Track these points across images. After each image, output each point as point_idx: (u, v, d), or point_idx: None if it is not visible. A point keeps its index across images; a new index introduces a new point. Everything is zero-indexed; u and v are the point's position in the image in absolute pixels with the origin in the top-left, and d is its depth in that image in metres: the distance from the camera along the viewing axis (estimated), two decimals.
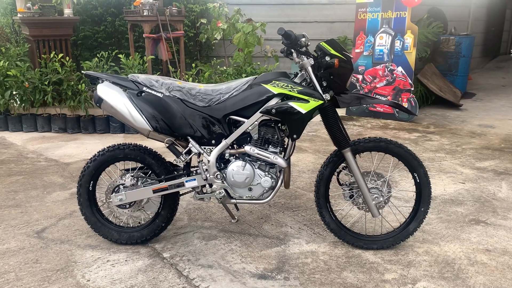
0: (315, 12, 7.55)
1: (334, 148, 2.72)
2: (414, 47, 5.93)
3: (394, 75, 6.09)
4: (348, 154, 2.65)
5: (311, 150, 4.78)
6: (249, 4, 7.39)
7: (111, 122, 5.61)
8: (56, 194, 3.68)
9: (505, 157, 4.50)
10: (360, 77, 6.35)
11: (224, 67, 5.99)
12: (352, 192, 2.79)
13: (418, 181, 2.71)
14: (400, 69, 6.04)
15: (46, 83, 5.43)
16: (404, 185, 3.68)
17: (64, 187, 3.83)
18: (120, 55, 5.47)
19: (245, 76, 5.50)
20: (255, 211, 3.33)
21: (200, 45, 7.47)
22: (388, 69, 6.13)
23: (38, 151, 4.83)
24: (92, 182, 2.81)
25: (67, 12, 5.89)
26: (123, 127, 5.63)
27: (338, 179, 2.84)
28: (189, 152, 2.69)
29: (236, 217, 3.15)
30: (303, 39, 2.53)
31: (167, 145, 2.67)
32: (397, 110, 6.11)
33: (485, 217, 3.20)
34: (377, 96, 6.16)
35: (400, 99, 6.05)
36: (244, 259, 2.69)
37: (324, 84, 2.60)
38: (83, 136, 5.50)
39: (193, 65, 5.70)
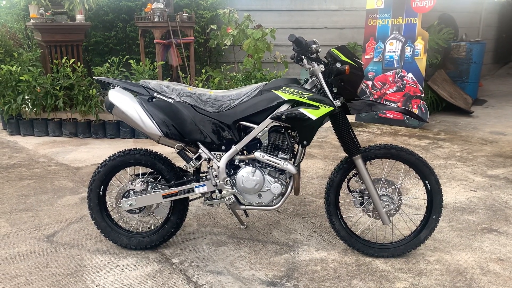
0: (325, 19, 7.55)
1: (344, 154, 2.71)
2: (425, 54, 5.90)
3: (404, 82, 6.06)
4: (359, 161, 2.64)
5: (320, 157, 4.76)
6: (259, 10, 7.42)
7: (121, 127, 5.64)
8: (67, 199, 3.71)
9: None
10: (370, 83, 6.33)
11: (234, 73, 6.01)
12: (363, 199, 2.77)
13: (429, 188, 2.68)
14: (410, 75, 6.01)
15: (58, 88, 5.48)
16: (415, 193, 3.65)
17: (74, 192, 3.85)
18: (130, 61, 5.51)
19: (255, 82, 5.52)
20: (264, 217, 3.32)
21: (210, 51, 7.50)
22: (398, 75, 6.11)
23: (49, 156, 4.87)
24: (102, 187, 2.82)
25: (79, 18, 5.95)
26: (133, 132, 5.66)
27: (348, 186, 2.82)
28: (199, 158, 2.69)
29: (245, 223, 3.15)
30: (314, 45, 2.53)
31: (177, 150, 2.68)
32: (407, 116, 6.07)
33: (498, 226, 3.16)
34: (387, 103, 6.14)
35: (410, 105, 6.02)
36: (253, 265, 2.68)
37: (335, 90, 2.60)
38: (93, 140, 5.54)
39: (203, 70, 5.73)
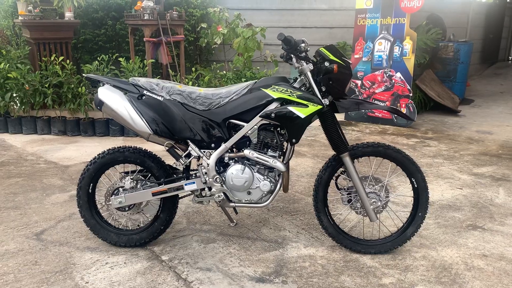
0: (315, 18, 7.59)
1: (333, 152, 2.74)
2: (413, 53, 5.97)
3: (393, 81, 6.13)
4: (347, 159, 2.67)
5: (309, 155, 4.80)
6: (249, 9, 7.43)
7: (110, 125, 5.62)
8: (56, 197, 3.69)
9: (502, 163, 4.53)
10: (359, 82, 6.38)
11: (224, 72, 6.02)
12: (350, 196, 2.80)
13: (416, 186, 2.73)
14: (398, 75, 6.08)
15: (47, 85, 5.44)
16: (402, 190, 3.70)
17: (63, 190, 3.84)
18: (120, 59, 5.49)
19: (245, 81, 5.54)
20: (253, 214, 3.34)
21: (200, 50, 7.50)
22: (387, 75, 6.17)
23: (37, 154, 4.85)
24: (92, 184, 2.83)
25: (68, 15, 5.92)
26: (123, 130, 5.64)
27: (336, 184, 2.86)
28: (188, 155, 2.71)
29: (234, 220, 3.17)
30: (303, 44, 2.56)
31: (167, 148, 2.69)
32: (395, 115, 6.14)
33: (482, 223, 3.22)
34: (376, 102, 6.19)
35: (398, 104, 6.08)
36: (242, 262, 2.70)
37: (323, 89, 2.63)
38: (82, 138, 5.51)
39: (193, 69, 5.73)
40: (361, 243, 2.80)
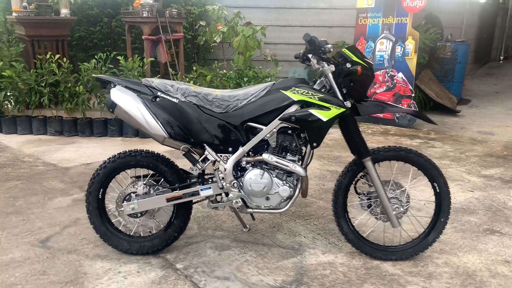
0: (313, 17, 7.51)
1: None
2: (415, 53, 5.93)
3: (395, 81, 6.08)
4: (369, 164, 2.60)
5: (315, 156, 4.72)
6: (247, 7, 7.31)
7: (108, 125, 5.48)
8: (58, 200, 3.56)
9: (509, 165, 4.51)
10: None
11: (224, 71, 5.90)
12: (370, 201, 2.73)
13: (438, 191, 2.66)
14: (400, 75, 6.03)
15: (43, 84, 5.27)
16: (415, 194, 3.63)
17: (65, 193, 3.70)
18: (119, 57, 5.35)
19: (247, 80, 5.44)
20: (266, 219, 3.25)
21: (198, 48, 7.37)
22: (389, 75, 6.12)
23: (35, 155, 4.68)
24: (101, 190, 2.71)
25: (64, 12, 5.76)
26: (121, 130, 5.50)
27: (355, 188, 2.78)
28: (205, 159, 2.60)
29: (247, 226, 3.07)
30: (329, 45, 2.48)
31: (183, 152, 2.58)
32: (397, 115, 6.10)
33: (499, 227, 3.17)
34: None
35: (400, 105, 6.04)
36: (260, 270, 2.61)
37: (344, 91, 2.55)
38: (80, 139, 5.36)
39: (194, 68, 5.61)
40: (382, 249, 2.73)
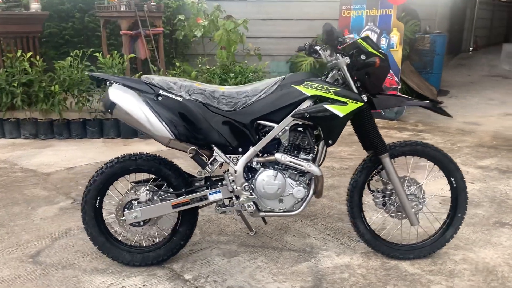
0: (295, 10, 7.38)
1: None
2: (400, 45, 5.89)
3: None
4: (387, 160, 2.48)
5: None
6: (227, 0, 7.10)
7: (88, 127, 5.19)
8: (43, 210, 3.29)
9: (502, 155, 4.51)
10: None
11: (207, 66, 5.68)
12: (385, 199, 2.62)
13: (455, 185, 2.57)
14: None
15: (15, 84, 4.92)
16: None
17: (50, 201, 3.43)
18: (96, 54, 5.06)
19: (233, 76, 5.25)
20: (271, 221, 3.09)
21: (176, 43, 7.11)
22: None
23: (11, 160, 4.36)
24: (99, 198, 2.48)
25: (35, 7, 5.40)
26: (102, 131, 5.22)
27: (369, 186, 2.66)
28: (214, 161, 2.42)
29: (253, 229, 2.91)
30: (350, 34, 2.35)
31: (191, 155, 2.38)
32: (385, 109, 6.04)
33: (507, 219, 3.13)
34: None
35: None
36: (276, 277, 2.45)
37: (358, 84, 2.42)
38: (57, 142, 5.05)
39: (177, 63, 5.37)
40: (399, 248, 2.62)
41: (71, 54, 5.11)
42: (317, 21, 7.38)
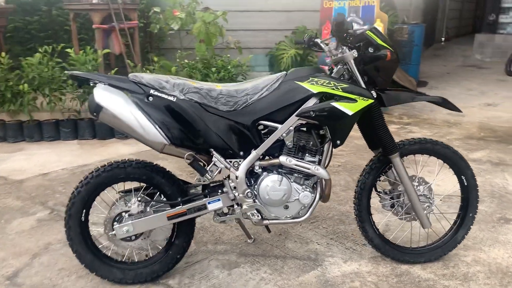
0: (273, 1, 7.16)
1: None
2: None
3: None
4: (397, 160, 2.33)
5: None
6: None
7: (61, 128, 4.85)
8: (18, 223, 3.00)
9: (492, 147, 4.47)
10: (326, 68, 6.07)
11: (186, 60, 5.41)
12: (393, 201, 2.47)
13: (465, 184, 2.45)
14: None
15: None
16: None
17: (25, 212, 3.14)
18: (68, 49, 4.72)
19: (215, 70, 5.02)
20: (269, 227, 2.90)
21: (151, 36, 6.78)
22: None
23: None
24: (84, 210, 2.23)
25: None
26: (76, 132, 4.89)
27: (375, 187, 2.50)
28: (212, 167, 2.20)
29: (252, 236, 2.72)
30: (363, 26, 2.18)
31: (189, 161, 2.15)
32: None
33: (511, 215, 3.05)
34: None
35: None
36: None
37: (365, 79, 2.25)
38: (28, 145, 4.69)
39: (155, 58, 5.09)
40: (409, 252, 2.48)
41: (40, 50, 4.75)
42: (296, 13, 7.22)
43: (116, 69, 4.82)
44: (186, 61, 5.41)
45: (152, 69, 4.93)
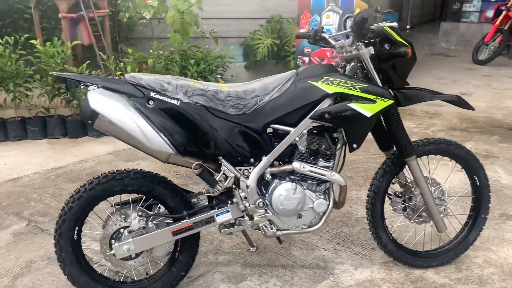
0: None
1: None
2: None
3: None
4: (414, 162, 2.21)
5: None
6: None
7: (28, 126, 4.50)
8: None
9: (477, 138, 4.48)
10: (306, 59, 5.95)
11: (161, 51, 5.12)
12: (405, 204, 2.37)
13: (478, 184, 2.38)
14: None
15: None
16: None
17: None
18: (33, 41, 4.34)
19: (194, 62, 4.77)
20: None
21: (120, 26, 6.40)
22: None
23: None
24: (77, 228, 1.99)
25: None
26: (45, 131, 4.54)
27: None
28: (224, 177, 2.01)
29: (255, 244, 2.54)
30: (379, 25, 2.03)
31: (196, 171, 1.95)
32: None
33: (511, 210, 3.03)
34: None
35: None
36: None
37: (380, 78, 2.12)
38: None
39: (130, 50, 4.77)
40: (422, 256, 2.39)
41: (1, 41, 4.35)
42: (271, 1, 7.02)
43: (88, 62, 4.48)
44: (161, 52, 5.12)
45: (128, 62, 4.62)
